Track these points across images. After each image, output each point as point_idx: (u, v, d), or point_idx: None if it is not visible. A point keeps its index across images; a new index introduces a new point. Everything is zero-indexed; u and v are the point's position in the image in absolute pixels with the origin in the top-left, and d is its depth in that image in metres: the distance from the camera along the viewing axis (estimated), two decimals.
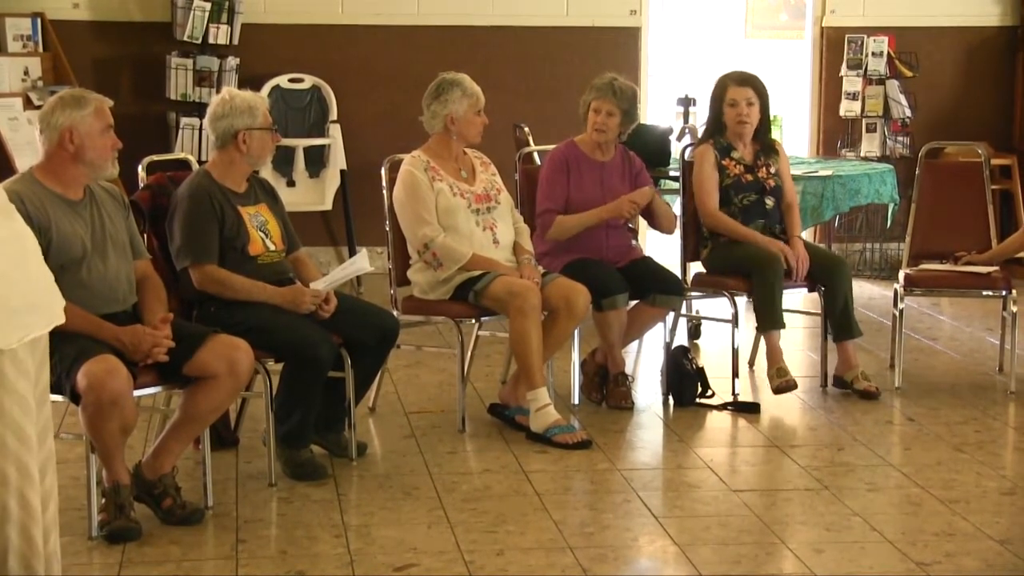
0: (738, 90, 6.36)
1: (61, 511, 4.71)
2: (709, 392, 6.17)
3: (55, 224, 4.48)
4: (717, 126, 6.42)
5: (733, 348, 6.25)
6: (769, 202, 6.35)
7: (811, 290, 6.41)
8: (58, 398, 4.47)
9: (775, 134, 7.32)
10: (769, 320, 6.19)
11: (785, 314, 6.22)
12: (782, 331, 6.23)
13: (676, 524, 4.69)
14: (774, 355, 6.19)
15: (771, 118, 6.54)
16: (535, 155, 7.12)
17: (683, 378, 6.14)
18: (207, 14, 8.78)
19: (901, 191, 8.07)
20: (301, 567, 4.28)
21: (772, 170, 6.39)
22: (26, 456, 3.53)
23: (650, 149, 7.14)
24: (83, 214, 4.58)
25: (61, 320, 3.66)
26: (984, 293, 6.62)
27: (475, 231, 5.74)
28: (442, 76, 5.82)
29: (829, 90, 9.77)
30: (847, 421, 5.94)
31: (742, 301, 6.47)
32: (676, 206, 6.74)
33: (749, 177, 6.34)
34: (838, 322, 6.30)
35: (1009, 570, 4.31)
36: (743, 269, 6.23)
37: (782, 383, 6.12)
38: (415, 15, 9.35)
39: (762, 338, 6.34)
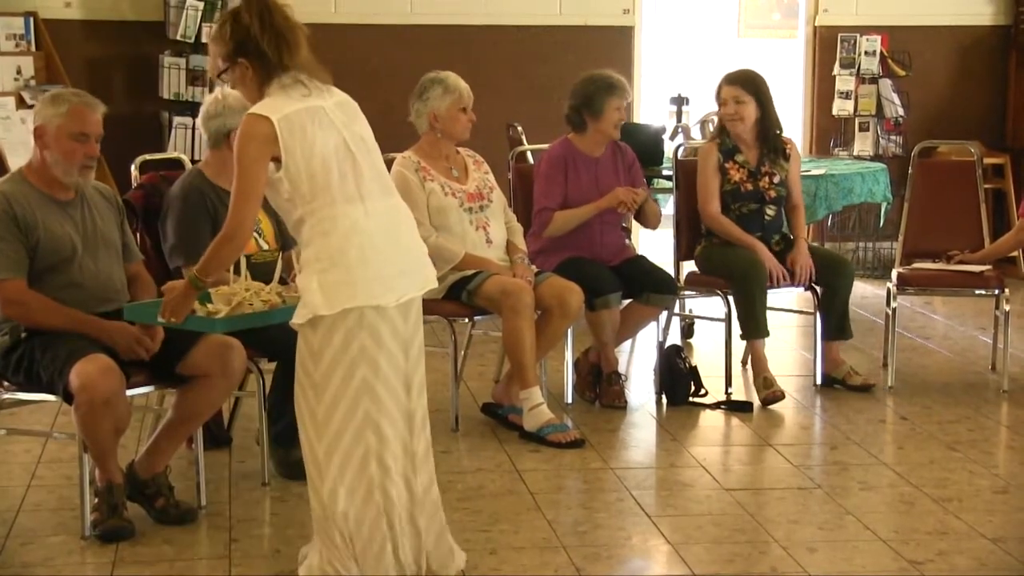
0: (727, 88, 6.33)
1: (53, 510, 4.76)
2: (702, 391, 6.16)
3: (43, 224, 4.47)
4: (723, 125, 6.41)
5: (726, 347, 6.25)
6: (770, 211, 6.31)
7: (807, 288, 6.40)
8: (51, 398, 4.48)
9: None
10: (751, 329, 6.17)
11: (779, 313, 6.21)
12: (767, 338, 6.22)
13: (669, 523, 4.69)
14: (759, 364, 6.18)
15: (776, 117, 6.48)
16: (528, 154, 7.11)
17: (676, 377, 6.13)
18: (200, 13, 8.77)
19: (894, 190, 8.07)
20: (294, 567, 4.28)
21: (775, 179, 6.32)
22: (396, 412, 4.01)
23: (643, 148, 7.12)
24: (73, 214, 4.56)
25: (433, 284, 4.11)
26: (977, 292, 6.62)
27: (468, 230, 5.74)
28: (426, 75, 5.81)
29: (822, 89, 9.78)
30: (840, 420, 5.94)
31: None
32: (669, 205, 6.74)
33: (749, 186, 6.28)
34: (834, 322, 6.29)
35: (1002, 568, 4.32)
36: (724, 273, 6.23)
37: (769, 394, 6.10)
38: (408, 14, 9.35)
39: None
